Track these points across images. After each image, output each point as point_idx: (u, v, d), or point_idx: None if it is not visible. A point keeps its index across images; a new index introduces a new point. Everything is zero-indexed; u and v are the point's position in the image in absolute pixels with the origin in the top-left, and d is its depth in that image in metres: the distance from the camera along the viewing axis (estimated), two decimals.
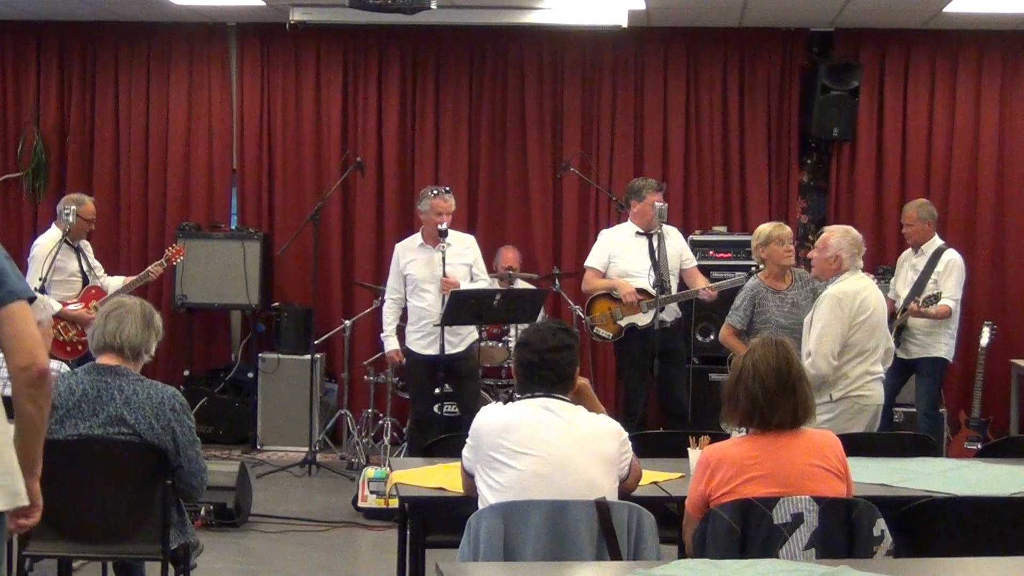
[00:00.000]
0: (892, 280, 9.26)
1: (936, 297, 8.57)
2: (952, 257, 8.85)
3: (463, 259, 8.54)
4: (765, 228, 7.74)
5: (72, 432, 4.88)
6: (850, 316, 6.81)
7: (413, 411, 8.86)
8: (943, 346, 8.78)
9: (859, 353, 6.82)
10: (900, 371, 8.87)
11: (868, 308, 6.87)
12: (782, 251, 7.63)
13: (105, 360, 5.02)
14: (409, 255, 8.61)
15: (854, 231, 7.13)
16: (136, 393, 4.93)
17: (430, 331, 8.43)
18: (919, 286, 8.78)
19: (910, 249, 9.08)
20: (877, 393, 6.91)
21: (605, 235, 8.99)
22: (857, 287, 6.93)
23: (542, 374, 4.54)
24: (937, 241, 8.94)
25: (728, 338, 7.73)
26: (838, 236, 7.04)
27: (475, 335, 8.58)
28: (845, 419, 6.78)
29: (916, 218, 8.95)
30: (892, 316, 8.85)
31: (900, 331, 8.72)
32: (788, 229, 7.76)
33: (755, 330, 7.48)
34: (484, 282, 8.71)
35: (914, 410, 9.15)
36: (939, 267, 8.80)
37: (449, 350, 8.33)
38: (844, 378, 6.83)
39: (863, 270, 7.14)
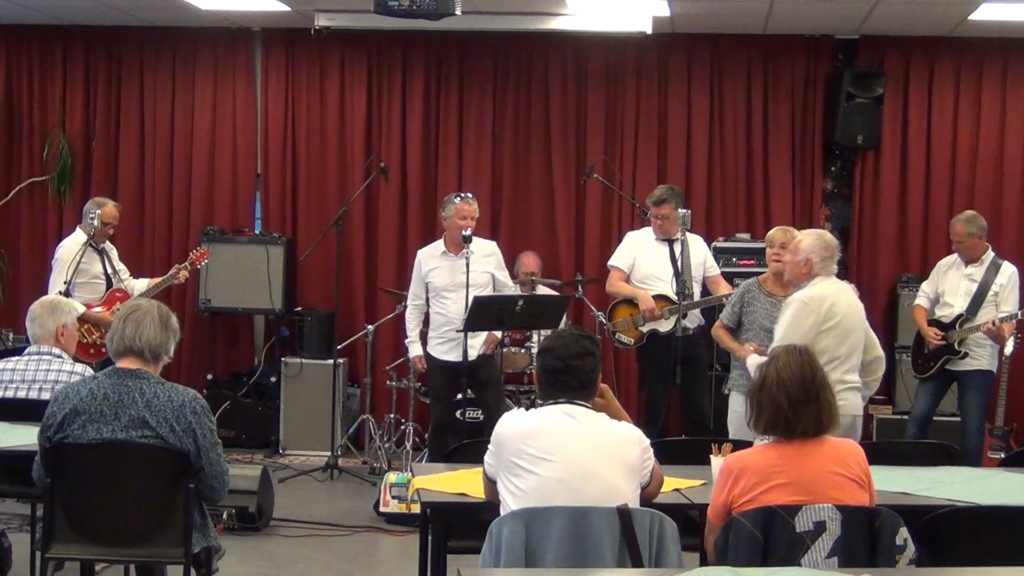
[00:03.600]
0: (927, 285, 9.07)
1: (1013, 316, 8.53)
2: (1012, 270, 8.70)
3: (484, 267, 8.53)
4: (771, 231, 7.65)
5: (95, 436, 4.89)
6: (816, 321, 6.60)
7: (434, 416, 8.87)
8: (995, 359, 8.71)
9: (829, 360, 6.46)
10: (943, 381, 8.84)
11: (837, 314, 6.66)
12: (770, 254, 7.50)
13: (125, 364, 5.02)
14: (432, 262, 8.61)
15: (828, 236, 6.95)
16: (157, 396, 4.93)
17: (451, 337, 8.43)
18: (979, 297, 8.68)
19: (956, 256, 8.87)
20: (851, 403, 6.67)
21: (631, 236, 8.99)
22: (825, 292, 6.72)
23: (565, 380, 4.54)
24: (991, 252, 8.83)
25: (716, 330, 7.68)
26: (810, 240, 6.83)
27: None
28: None
29: (964, 234, 8.72)
30: (938, 324, 8.79)
31: (961, 343, 8.66)
32: (785, 233, 7.42)
33: (743, 329, 7.46)
34: (509, 289, 8.70)
35: (950, 420, 9.17)
36: (1000, 279, 8.64)
37: (470, 356, 8.34)
38: None
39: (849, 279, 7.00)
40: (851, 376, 6.73)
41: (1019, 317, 8.58)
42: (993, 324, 8.47)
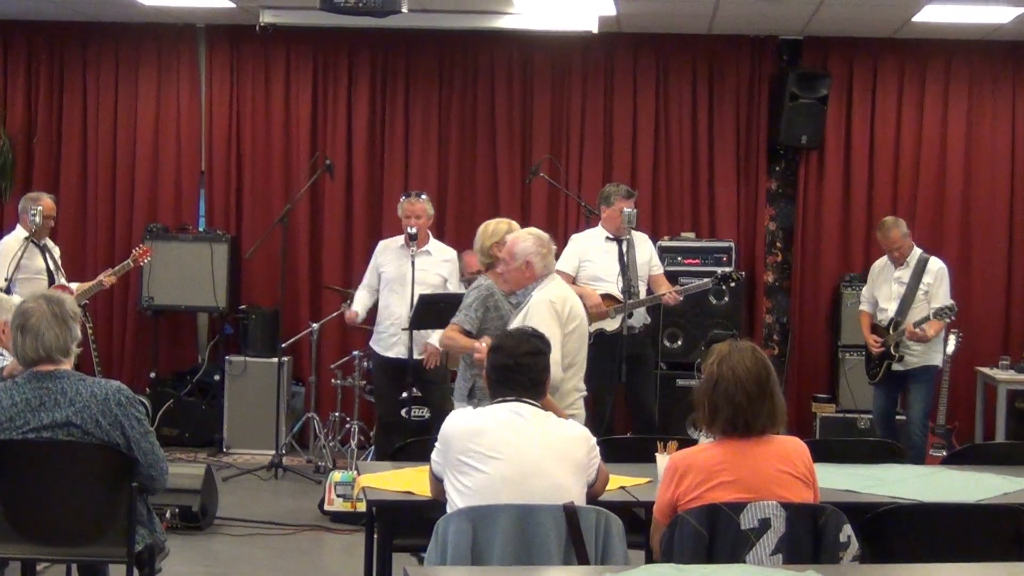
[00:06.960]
0: (866, 291, 9.23)
1: (926, 318, 8.65)
2: (939, 266, 8.88)
3: (438, 270, 8.56)
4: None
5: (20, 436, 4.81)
6: (563, 323, 6.11)
7: (378, 414, 8.86)
8: (936, 353, 8.84)
9: (569, 366, 6.16)
10: (896, 383, 8.97)
11: (577, 316, 6.22)
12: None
13: (41, 368, 4.90)
14: (388, 253, 8.65)
15: (538, 231, 6.45)
16: (79, 393, 4.83)
17: (394, 332, 8.44)
18: (908, 299, 8.80)
19: (886, 259, 9.04)
20: (583, 413, 6.27)
21: (576, 239, 8.99)
22: (565, 292, 6.28)
23: (515, 378, 4.56)
24: (917, 250, 8.98)
25: (452, 333, 6.65)
26: (526, 242, 6.29)
27: None
28: None
29: (901, 236, 8.89)
30: (875, 329, 8.92)
31: (897, 346, 8.78)
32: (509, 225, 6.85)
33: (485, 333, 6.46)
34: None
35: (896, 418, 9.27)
36: (927, 278, 8.80)
37: (417, 355, 8.33)
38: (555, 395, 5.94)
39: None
40: (583, 384, 6.31)
41: (932, 317, 8.68)
42: (917, 328, 8.61)
